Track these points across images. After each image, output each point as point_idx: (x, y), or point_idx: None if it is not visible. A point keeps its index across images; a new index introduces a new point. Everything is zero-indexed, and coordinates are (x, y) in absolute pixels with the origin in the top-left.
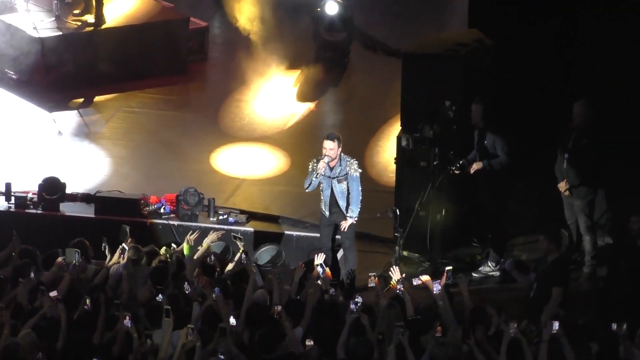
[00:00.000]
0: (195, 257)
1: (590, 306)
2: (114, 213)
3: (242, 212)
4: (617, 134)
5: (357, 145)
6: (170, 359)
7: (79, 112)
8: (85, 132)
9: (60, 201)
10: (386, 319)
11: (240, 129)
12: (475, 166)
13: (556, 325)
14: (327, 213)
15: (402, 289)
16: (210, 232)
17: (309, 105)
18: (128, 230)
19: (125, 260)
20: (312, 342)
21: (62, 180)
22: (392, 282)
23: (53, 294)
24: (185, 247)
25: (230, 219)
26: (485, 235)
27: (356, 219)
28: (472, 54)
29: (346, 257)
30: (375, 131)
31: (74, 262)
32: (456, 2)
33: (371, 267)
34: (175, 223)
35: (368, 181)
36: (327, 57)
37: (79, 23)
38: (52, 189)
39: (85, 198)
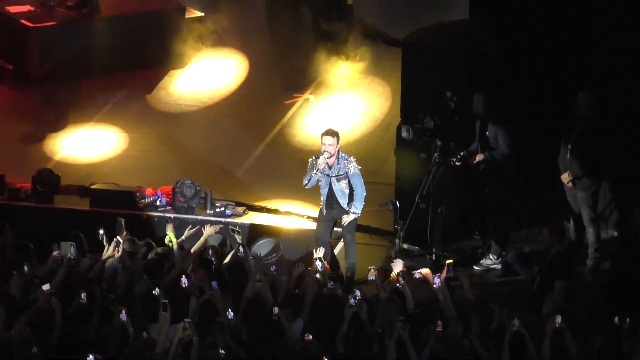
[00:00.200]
0: (192, 250)
1: (594, 300)
2: (109, 205)
3: (239, 204)
4: (621, 124)
5: (357, 136)
6: (166, 353)
7: (74, 104)
8: (80, 124)
9: (55, 193)
10: (386, 312)
11: (236, 120)
12: (477, 157)
13: (559, 319)
14: (325, 210)
15: (402, 282)
16: (208, 226)
17: (308, 96)
18: (123, 223)
19: (120, 253)
20: (310, 337)
21: (56, 172)
22: (392, 275)
23: (46, 287)
24: (171, 236)
25: (228, 212)
26: (487, 227)
27: (358, 215)
28: (474, 43)
29: (346, 250)
30: (376, 122)
31: (69, 255)
32: None
33: (371, 260)
34: (172, 216)
35: (367, 173)
36: (326, 46)
37: (74, 12)
38: (47, 180)
39: (80, 190)
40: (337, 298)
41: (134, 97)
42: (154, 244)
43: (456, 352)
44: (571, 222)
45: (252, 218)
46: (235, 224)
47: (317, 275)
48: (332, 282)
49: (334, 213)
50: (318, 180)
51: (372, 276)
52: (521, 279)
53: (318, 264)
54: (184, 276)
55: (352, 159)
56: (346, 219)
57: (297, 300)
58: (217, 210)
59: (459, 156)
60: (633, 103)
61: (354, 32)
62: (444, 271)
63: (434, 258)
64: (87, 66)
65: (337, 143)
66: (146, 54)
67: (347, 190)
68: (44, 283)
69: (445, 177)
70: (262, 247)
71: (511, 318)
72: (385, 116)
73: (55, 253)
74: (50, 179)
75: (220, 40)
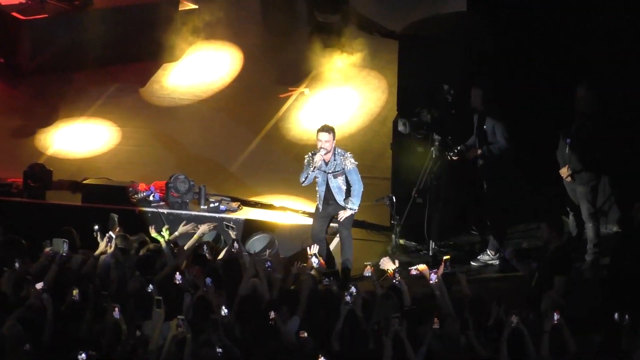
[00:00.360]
0: (185, 247)
1: (593, 296)
2: (102, 201)
3: (234, 199)
4: (621, 117)
5: (353, 131)
6: (160, 350)
7: (66, 97)
8: (72, 117)
9: (47, 189)
10: (383, 309)
11: (232, 114)
12: (474, 152)
13: (557, 315)
14: (321, 207)
15: (399, 278)
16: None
17: (303, 90)
18: (116, 219)
19: (112, 249)
20: (305, 334)
21: (47, 167)
22: (389, 271)
23: (39, 286)
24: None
25: (222, 207)
26: (485, 222)
27: (355, 211)
28: (472, 35)
29: (343, 246)
30: (372, 115)
31: (62, 252)
32: None
33: (367, 256)
34: (165, 211)
35: (363, 168)
36: (321, 39)
37: (66, 5)
38: (38, 176)
39: (72, 185)
40: (332, 295)
41: (126, 91)
42: (147, 239)
43: (453, 349)
44: (570, 217)
45: (247, 213)
46: (229, 220)
47: (313, 272)
48: (327, 279)
49: (330, 209)
50: (315, 177)
51: (368, 272)
52: (519, 275)
53: (314, 260)
54: (177, 273)
55: (349, 155)
56: (343, 215)
57: (293, 298)
58: (211, 205)
59: (456, 150)
60: (632, 96)
61: (349, 24)
62: (441, 267)
63: (430, 254)
64: (79, 59)
65: (334, 139)
66: (139, 46)
67: (344, 187)
68: (36, 279)
69: (442, 171)
70: (256, 242)
71: (509, 314)
72: (382, 110)
73: (47, 249)
74: (42, 174)
75: (214, 32)
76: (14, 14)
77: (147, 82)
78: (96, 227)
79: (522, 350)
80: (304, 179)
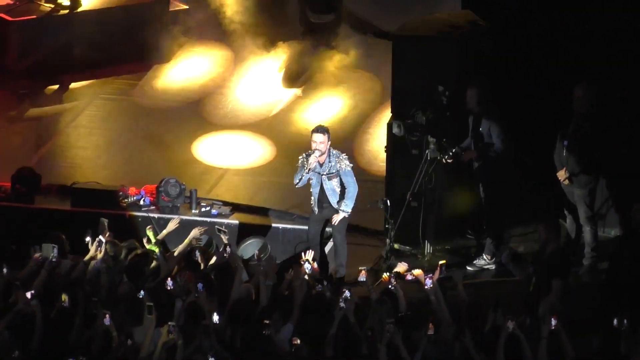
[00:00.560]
0: (176, 253)
1: (591, 300)
2: (91, 205)
3: (226, 203)
4: (619, 118)
5: (346, 133)
6: (151, 357)
7: (54, 100)
8: (61, 121)
9: (35, 193)
10: (377, 314)
11: (223, 117)
12: (470, 154)
13: (554, 321)
14: (316, 210)
15: (394, 283)
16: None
17: (295, 91)
18: (106, 224)
19: (102, 254)
20: (298, 341)
21: (36, 171)
22: (384, 276)
23: (29, 294)
24: (153, 248)
25: (213, 211)
26: (481, 226)
27: (349, 213)
28: (467, 36)
29: (336, 251)
30: (365, 118)
31: (51, 257)
32: None
33: (361, 261)
34: (156, 215)
35: (357, 171)
36: (314, 40)
37: (54, 5)
38: (27, 180)
39: (61, 190)
40: (325, 300)
41: (116, 93)
42: (137, 244)
43: (449, 355)
44: (567, 220)
45: (239, 218)
46: (221, 224)
47: (306, 277)
48: (320, 285)
49: (325, 212)
50: (309, 179)
51: (362, 277)
52: (516, 280)
53: (307, 266)
54: (169, 278)
55: (344, 157)
56: (336, 219)
57: (286, 304)
58: (203, 209)
59: (451, 153)
60: (631, 97)
61: (343, 25)
62: (437, 272)
63: (426, 258)
64: (68, 61)
65: (328, 140)
66: (129, 48)
67: (338, 190)
68: (25, 285)
69: (437, 174)
70: (249, 247)
71: (506, 320)
72: (376, 112)
73: (36, 255)
74: (30, 177)
75: (205, 33)
76: (2, 15)
77: (137, 84)
78: (88, 238)
79: (519, 356)
80: (297, 181)
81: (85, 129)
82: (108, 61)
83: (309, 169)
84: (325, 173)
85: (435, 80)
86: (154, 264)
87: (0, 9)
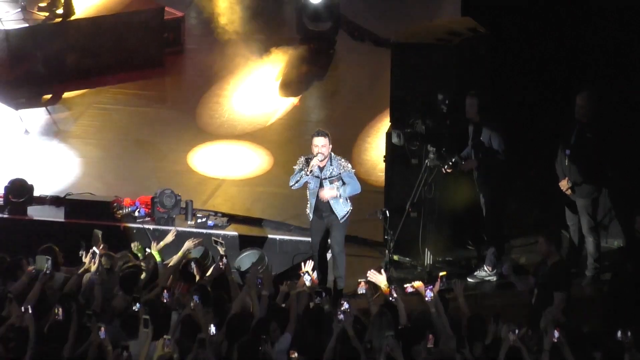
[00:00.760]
0: (170, 264)
1: (594, 312)
2: (85, 217)
3: (222, 214)
4: (622, 127)
5: (344, 142)
6: None
7: (47, 109)
8: (54, 131)
9: (28, 204)
10: (377, 327)
11: (220, 126)
12: (470, 164)
13: (557, 333)
14: (311, 216)
15: (395, 295)
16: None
17: (293, 100)
18: (100, 235)
19: (96, 265)
20: (296, 354)
21: (29, 182)
22: (383, 287)
23: (24, 308)
24: (155, 254)
25: (210, 223)
26: (481, 237)
27: (342, 217)
28: (467, 43)
29: (335, 262)
30: (363, 127)
31: (45, 269)
32: None
33: (359, 273)
34: (151, 227)
35: None
36: (311, 48)
37: (47, 14)
38: (19, 191)
39: (55, 201)
40: (324, 313)
41: (110, 102)
42: (131, 256)
43: None
44: (570, 231)
45: (236, 229)
46: (217, 235)
47: (304, 289)
48: (319, 297)
49: (326, 221)
50: (306, 183)
51: (362, 289)
52: (517, 291)
53: (306, 278)
54: (165, 291)
55: (347, 162)
56: (328, 192)
57: (283, 316)
58: (199, 221)
59: (450, 162)
60: (635, 105)
61: (340, 32)
62: (437, 283)
63: (426, 270)
64: (61, 70)
65: (330, 143)
66: (123, 56)
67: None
68: (18, 298)
69: (437, 184)
70: (246, 259)
71: (507, 331)
72: (374, 121)
73: (30, 267)
74: (23, 189)
75: (200, 42)
76: None
77: (131, 93)
78: (82, 251)
79: None
80: (294, 182)
81: (79, 139)
82: (102, 70)
83: (310, 171)
84: (326, 177)
85: (435, 88)
86: (143, 275)
87: None
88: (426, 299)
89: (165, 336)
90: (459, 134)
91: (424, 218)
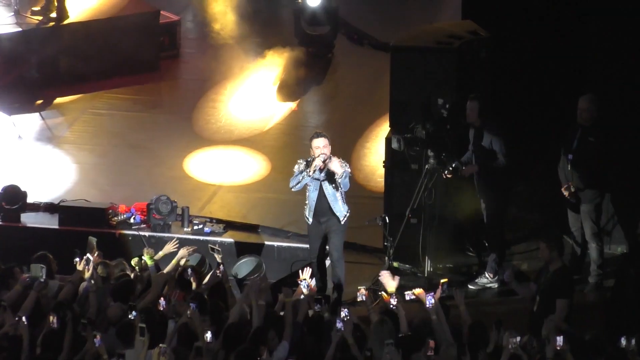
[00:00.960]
0: (165, 271)
1: (597, 319)
2: (80, 224)
3: (219, 221)
4: (625, 131)
5: (343, 148)
6: None
7: (41, 115)
8: (48, 136)
9: (22, 211)
10: (378, 335)
11: (216, 132)
12: (470, 169)
13: (560, 340)
14: (310, 220)
15: (395, 303)
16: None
17: (290, 105)
18: (95, 243)
19: (90, 273)
20: None
21: (23, 189)
22: (384, 295)
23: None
24: (146, 259)
25: (206, 229)
26: (482, 243)
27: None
28: (467, 46)
29: (334, 269)
30: (362, 132)
31: (40, 278)
32: None
33: (359, 280)
34: (147, 234)
35: (355, 187)
36: (309, 52)
37: (40, 18)
38: (13, 198)
39: (49, 208)
40: (323, 321)
41: (105, 107)
42: (125, 264)
43: None
44: (572, 237)
45: (232, 236)
46: (214, 242)
47: (302, 297)
48: (318, 305)
49: (324, 227)
50: (306, 186)
51: (361, 296)
52: (519, 298)
53: (304, 285)
54: (162, 298)
55: (345, 163)
56: (334, 165)
57: (282, 324)
58: (195, 227)
59: (450, 168)
60: (636, 108)
61: (339, 36)
62: (438, 291)
63: (426, 277)
64: (54, 74)
65: (329, 144)
66: (118, 61)
67: (339, 196)
68: (12, 307)
69: (437, 190)
70: (243, 266)
71: (509, 339)
72: (373, 125)
73: (24, 275)
74: (16, 195)
75: (196, 46)
76: None
77: (126, 98)
78: (77, 259)
79: None
80: (295, 183)
81: (74, 145)
82: (96, 74)
83: (314, 170)
84: (325, 179)
85: (435, 93)
86: (138, 286)
87: None
88: (427, 305)
89: (161, 345)
90: (460, 138)
91: (424, 224)
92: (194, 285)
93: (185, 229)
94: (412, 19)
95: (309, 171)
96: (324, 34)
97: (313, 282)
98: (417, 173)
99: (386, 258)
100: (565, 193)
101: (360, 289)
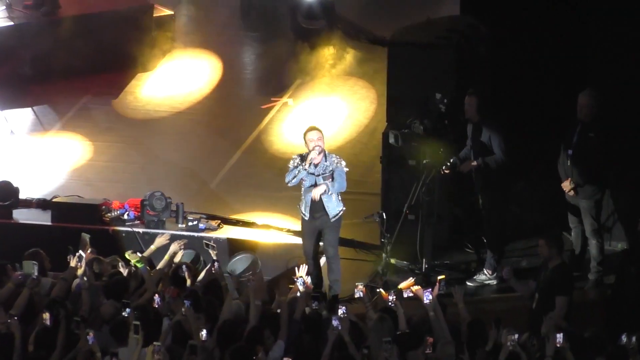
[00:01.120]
0: (158, 267)
1: (597, 317)
2: (73, 220)
3: (214, 217)
4: (625, 126)
5: (339, 143)
6: None
7: (34, 110)
8: (41, 132)
9: (14, 207)
10: (378, 333)
11: (211, 127)
12: (469, 165)
13: (560, 338)
14: (306, 215)
15: (394, 301)
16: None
17: (285, 100)
18: (88, 240)
19: (83, 270)
20: None
21: (15, 185)
22: (382, 292)
23: (13, 313)
24: (134, 263)
25: (201, 226)
26: (481, 240)
27: (334, 217)
28: (465, 41)
29: (330, 266)
30: (359, 127)
31: (32, 274)
32: None
33: (356, 277)
34: (141, 230)
35: (351, 183)
36: (305, 46)
37: (32, 12)
38: (5, 194)
39: (41, 204)
40: (321, 318)
41: (98, 103)
42: (119, 259)
43: None
44: (572, 233)
45: (228, 232)
46: (209, 239)
47: (298, 294)
48: (315, 302)
49: (318, 223)
50: (301, 181)
51: (359, 293)
52: (518, 296)
53: (300, 282)
54: (156, 295)
55: (342, 160)
56: (316, 191)
57: (277, 322)
58: (190, 224)
59: (448, 163)
60: (637, 104)
61: (335, 30)
62: (436, 288)
63: (424, 274)
64: (47, 69)
65: (324, 138)
66: (111, 55)
67: (332, 194)
68: (4, 304)
69: (435, 186)
70: (238, 263)
71: (507, 336)
72: (370, 121)
73: (17, 273)
74: (8, 191)
75: (191, 40)
76: None
77: (120, 93)
78: (70, 257)
79: None
80: (291, 178)
81: (66, 141)
82: (89, 69)
83: (309, 165)
84: (320, 174)
85: (433, 88)
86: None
87: None
88: (424, 301)
89: (155, 343)
90: (458, 134)
91: (421, 221)
92: (188, 282)
93: (179, 225)
94: (410, 14)
95: (305, 165)
96: (320, 28)
97: (309, 279)
98: (415, 169)
99: (383, 255)
100: (566, 189)
101: (358, 285)
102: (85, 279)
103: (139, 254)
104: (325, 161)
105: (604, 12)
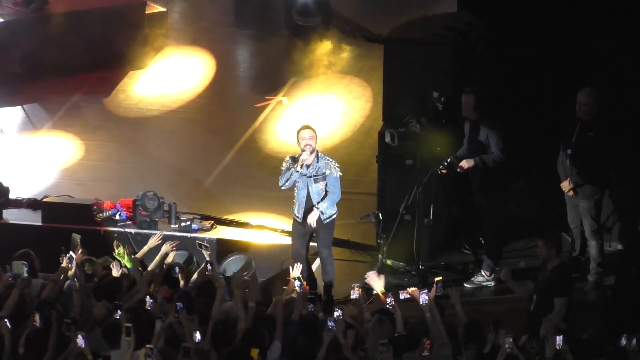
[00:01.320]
0: (149, 268)
1: (597, 318)
2: (64, 220)
3: (207, 217)
4: (625, 126)
5: (334, 142)
6: None
7: (24, 108)
8: (31, 130)
9: (3, 207)
10: (376, 335)
11: (204, 126)
12: (466, 164)
13: (560, 339)
14: (300, 217)
15: (391, 302)
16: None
17: (280, 98)
18: (79, 240)
19: (73, 271)
20: None
21: (5, 185)
22: (380, 294)
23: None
24: (125, 262)
25: (194, 226)
26: (478, 241)
27: (327, 218)
28: (463, 39)
29: (324, 267)
30: (354, 126)
31: (22, 275)
32: None
33: (351, 278)
34: (133, 231)
35: (347, 182)
36: (300, 44)
37: (22, 9)
38: None
39: (32, 204)
40: (317, 320)
41: (90, 101)
42: (111, 260)
43: None
44: (571, 234)
45: (221, 232)
46: (202, 239)
47: (294, 295)
48: (312, 304)
49: (310, 226)
50: (295, 182)
51: (355, 294)
52: (516, 297)
53: (296, 283)
54: (148, 297)
55: (334, 162)
56: (312, 218)
57: (271, 323)
58: (183, 224)
59: (445, 163)
60: (636, 102)
61: (331, 28)
62: (433, 289)
63: (420, 275)
64: (37, 67)
65: (316, 137)
66: (103, 53)
67: (323, 193)
68: None
69: (432, 185)
70: (232, 264)
71: (505, 338)
72: (366, 120)
73: (7, 274)
74: None
75: (184, 37)
76: None
77: (112, 91)
78: (61, 258)
79: None
80: (284, 181)
81: (57, 140)
82: (80, 67)
83: (301, 166)
84: (312, 175)
85: (430, 86)
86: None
87: None
88: (421, 302)
89: (147, 345)
90: (455, 133)
91: (418, 221)
92: (181, 284)
93: (172, 226)
94: (406, 11)
95: (297, 167)
96: (315, 26)
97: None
98: (411, 168)
99: (379, 256)
100: (565, 189)
101: (354, 286)
102: (75, 280)
103: (126, 251)
104: (317, 162)
105: (602, 9)
